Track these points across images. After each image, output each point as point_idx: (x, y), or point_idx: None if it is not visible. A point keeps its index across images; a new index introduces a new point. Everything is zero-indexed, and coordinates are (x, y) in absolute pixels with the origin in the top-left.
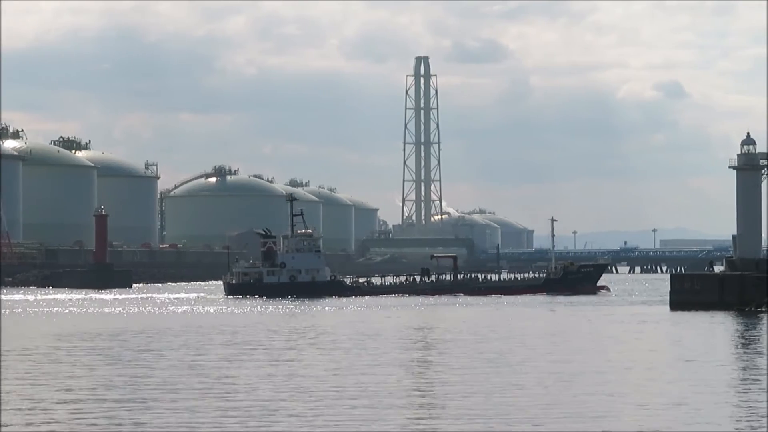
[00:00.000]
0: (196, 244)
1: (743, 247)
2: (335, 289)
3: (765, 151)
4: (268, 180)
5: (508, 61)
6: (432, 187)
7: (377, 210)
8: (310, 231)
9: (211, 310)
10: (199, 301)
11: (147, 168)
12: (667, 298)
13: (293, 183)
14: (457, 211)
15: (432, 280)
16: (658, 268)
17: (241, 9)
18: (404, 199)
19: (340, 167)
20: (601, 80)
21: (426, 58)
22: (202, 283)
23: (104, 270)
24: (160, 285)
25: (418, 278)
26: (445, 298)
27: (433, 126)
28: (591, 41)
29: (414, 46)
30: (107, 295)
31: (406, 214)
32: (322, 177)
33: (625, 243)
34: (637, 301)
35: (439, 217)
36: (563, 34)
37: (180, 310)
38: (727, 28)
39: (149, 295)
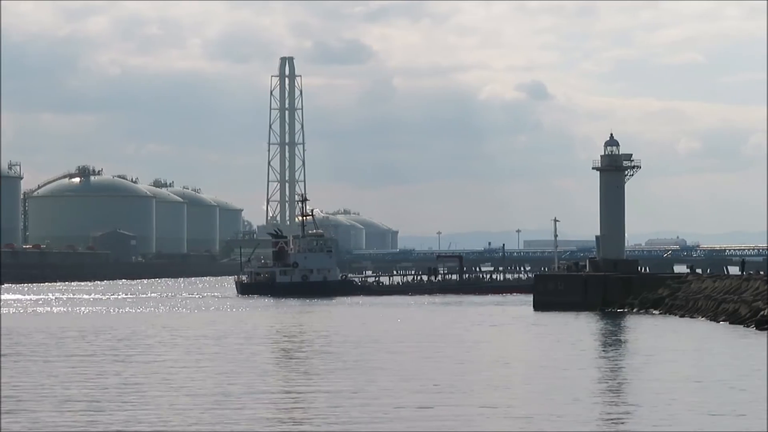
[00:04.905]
0: (60, 245)
1: (606, 247)
2: (346, 288)
3: (628, 152)
4: (132, 180)
5: (371, 62)
6: (296, 187)
7: (242, 210)
8: (321, 231)
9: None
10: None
11: (10, 168)
12: None
13: (157, 183)
14: (321, 211)
15: (439, 280)
16: (522, 268)
17: (104, 9)
18: (269, 200)
19: (204, 168)
20: (463, 81)
21: (291, 59)
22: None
23: None
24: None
25: (425, 278)
26: (448, 298)
27: (297, 126)
28: (453, 43)
29: (277, 47)
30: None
31: (271, 215)
32: (186, 177)
33: (489, 244)
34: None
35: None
36: (426, 36)
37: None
38: (589, 30)
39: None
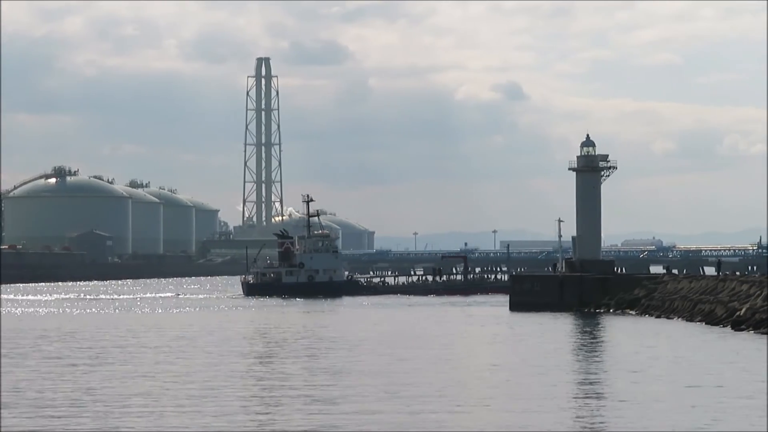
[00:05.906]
0: (36, 245)
1: (583, 248)
2: (351, 288)
3: (604, 153)
4: (108, 181)
5: (348, 62)
6: (273, 188)
7: (218, 211)
8: (327, 232)
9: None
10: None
11: None
12: None
13: (133, 184)
14: (298, 212)
15: (444, 280)
16: (498, 269)
17: (79, 9)
18: (245, 201)
19: (181, 168)
20: (439, 82)
21: (267, 59)
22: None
23: None
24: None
25: (430, 278)
26: (454, 298)
27: (274, 127)
28: (430, 43)
29: (253, 47)
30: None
31: (247, 216)
32: (162, 178)
33: (466, 244)
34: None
35: (280, 218)
36: (402, 36)
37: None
38: (565, 31)
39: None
